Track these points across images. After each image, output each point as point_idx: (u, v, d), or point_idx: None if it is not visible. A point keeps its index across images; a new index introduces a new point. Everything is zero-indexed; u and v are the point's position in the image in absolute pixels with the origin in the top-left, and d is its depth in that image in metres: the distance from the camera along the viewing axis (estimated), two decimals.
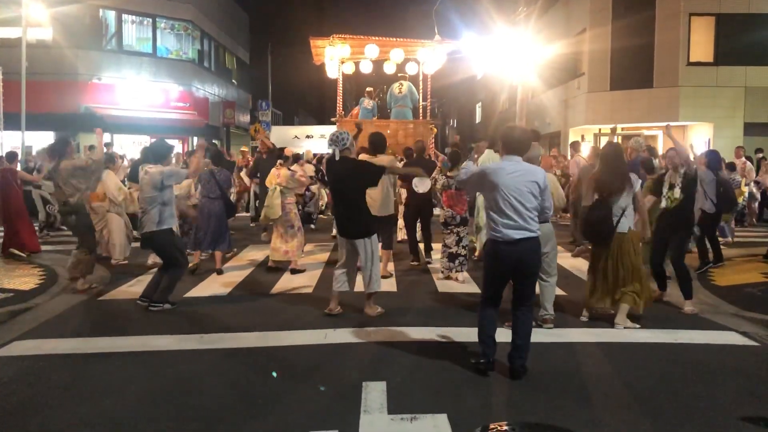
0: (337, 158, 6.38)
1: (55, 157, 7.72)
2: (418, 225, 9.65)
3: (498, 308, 4.92)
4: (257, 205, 12.94)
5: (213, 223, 8.75)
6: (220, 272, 8.74)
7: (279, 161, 9.13)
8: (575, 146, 12.95)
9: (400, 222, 10.24)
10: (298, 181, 9.04)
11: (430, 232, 9.67)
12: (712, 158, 8.90)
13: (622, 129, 22.39)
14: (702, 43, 20.70)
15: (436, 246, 9.29)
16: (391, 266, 8.70)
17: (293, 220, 8.82)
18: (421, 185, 8.46)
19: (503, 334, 4.96)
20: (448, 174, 8.25)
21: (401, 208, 9.81)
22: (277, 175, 8.84)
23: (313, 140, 24.53)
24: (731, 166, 12.81)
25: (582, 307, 6.48)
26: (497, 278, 4.86)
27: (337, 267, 6.67)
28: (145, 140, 22.13)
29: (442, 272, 8.36)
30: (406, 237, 9.93)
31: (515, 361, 4.74)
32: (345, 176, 6.39)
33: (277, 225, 8.80)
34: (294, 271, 8.78)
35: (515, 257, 4.68)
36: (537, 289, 5.89)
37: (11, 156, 11.17)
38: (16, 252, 9.87)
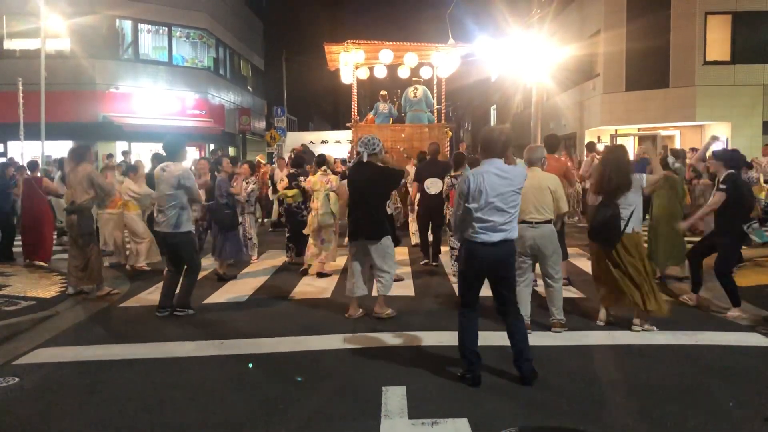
0: (364, 160, 6.48)
1: (76, 160, 7.83)
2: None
3: (477, 317, 4.86)
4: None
5: (221, 229, 8.81)
6: (222, 279, 8.71)
7: (323, 168, 9.04)
8: (590, 147, 12.86)
9: (413, 226, 10.25)
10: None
11: (440, 236, 9.61)
12: (730, 158, 8.67)
13: (639, 130, 22.31)
14: (718, 41, 20.51)
15: (445, 248, 9.32)
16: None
17: (335, 226, 8.92)
18: (433, 186, 8.49)
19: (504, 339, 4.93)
20: (452, 174, 8.29)
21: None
22: (326, 181, 8.80)
23: (328, 145, 24.64)
24: (747, 164, 12.66)
25: (597, 312, 6.41)
26: (474, 281, 4.82)
27: (351, 272, 6.70)
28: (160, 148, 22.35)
29: (453, 275, 8.36)
30: (419, 241, 9.96)
31: (523, 365, 4.70)
32: (369, 180, 6.47)
33: (321, 230, 8.80)
34: (321, 275, 8.82)
35: (492, 259, 4.67)
36: (522, 295, 5.85)
37: (33, 165, 11.30)
38: (41, 263, 9.96)
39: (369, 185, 6.49)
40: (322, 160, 9.31)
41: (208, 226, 9.54)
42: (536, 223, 5.87)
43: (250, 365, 5.01)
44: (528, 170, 5.79)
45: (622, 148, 6.40)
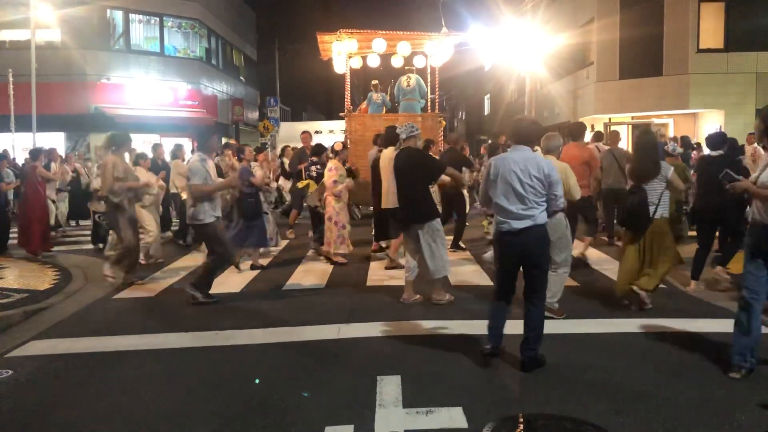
0: (402, 140, 6.70)
1: (111, 148, 7.80)
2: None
3: (510, 303, 4.93)
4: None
5: (247, 219, 8.70)
6: (254, 268, 8.80)
7: (330, 155, 9.27)
8: (598, 136, 12.65)
9: None
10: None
11: (462, 224, 10.04)
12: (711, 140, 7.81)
13: (632, 118, 22.31)
14: (712, 29, 20.49)
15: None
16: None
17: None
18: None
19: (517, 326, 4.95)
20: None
21: None
22: (336, 168, 8.91)
23: (322, 135, 24.55)
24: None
25: (617, 295, 6.50)
26: (505, 269, 4.89)
27: (406, 256, 6.82)
28: (155, 139, 22.21)
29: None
30: None
31: (524, 352, 4.74)
32: (410, 164, 6.60)
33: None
34: (332, 263, 8.93)
35: (520, 247, 4.71)
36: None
37: (35, 153, 11.16)
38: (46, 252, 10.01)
39: (410, 169, 6.59)
40: (332, 149, 9.52)
41: (230, 215, 9.38)
42: None
43: (257, 381, 5.01)
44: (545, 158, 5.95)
45: (651, 134, 6.58)
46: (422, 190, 6.66)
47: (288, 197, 13.94)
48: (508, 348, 5.02)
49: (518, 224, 4.67)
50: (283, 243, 10.59)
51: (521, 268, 4.86)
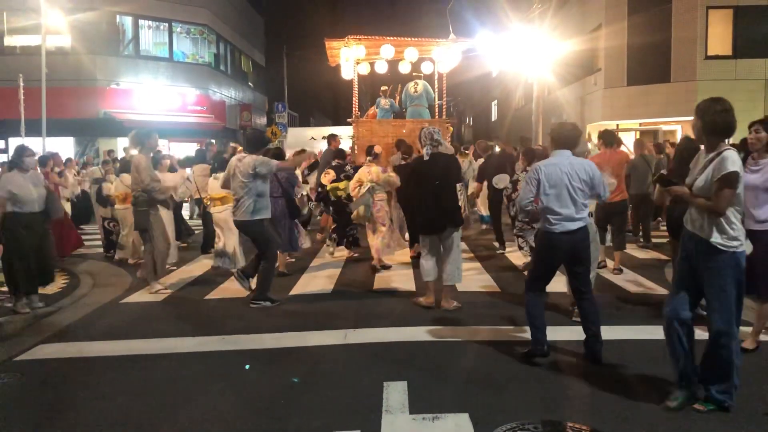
0: (426, 156, 6.67)
1: (137, 147, 7.86)
2: None
3: (545, 298, 5.16)
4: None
5: (277, 223, 8.31)
6: (282, 275, 8.55)
7: (368, 158, 9.21)
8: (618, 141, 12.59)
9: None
10: (390, 179, 8.98)
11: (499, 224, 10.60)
12: None
13: (640, 124, 22.26)
14: (720, 36, 20.45)
15: None
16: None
17: (384, 218, 8.92)
18: (501, 182, 9.20)
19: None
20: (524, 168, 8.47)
21: None
22: (368, 173, 8.86)
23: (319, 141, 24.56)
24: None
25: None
26: (550, 265, 5.14)
27: (424, 257, 6.82)
28: (164, 144, 22.33)
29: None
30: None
31: (594, 346, 4.99)
32: (445, 169, 6.71)
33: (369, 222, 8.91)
34: (376, 269, 8.83)
35: (569, 247, 4.97)
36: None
37: (44, 160, 11.24)
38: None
39: (446, 176, 6.68)
40: (369, 151, 9.41)
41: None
42: None
43: (247, 367, 5.03)
44: None
45: (692, 140, 6.56)
46: (455, 195, 6.90)
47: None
48: (510, 352, 5.02)
49: (572, 225, 4.92)
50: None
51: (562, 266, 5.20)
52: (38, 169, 10.84)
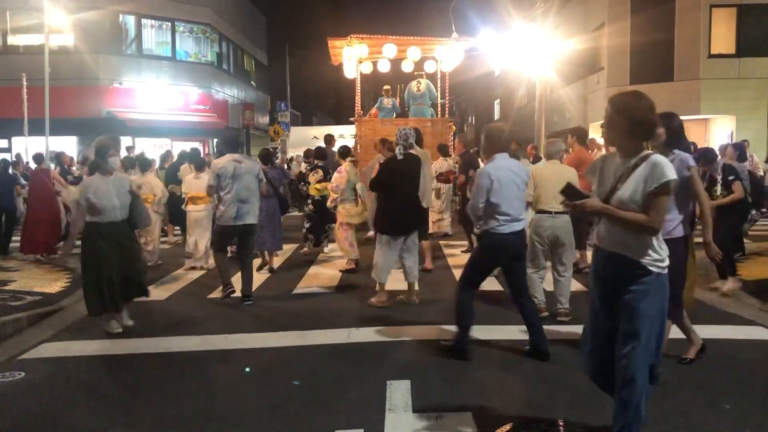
0: (399, 156, 6.69)
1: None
2: None
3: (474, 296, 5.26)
4: None
5: (268, 221, 8.69)
6: (271, 270, 8.98)
7: (351, 157, 9.30)
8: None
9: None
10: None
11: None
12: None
13: None
14: (723, 34, 20.40)
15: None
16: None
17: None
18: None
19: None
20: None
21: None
22: (354, 173, 8.91)
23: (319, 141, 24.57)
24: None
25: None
26: (492, 266, 5.38)
27: (383, 258, 6.77)
28: (166, 143, 22.36)
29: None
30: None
31: (543, 340, 5.05)
32: (416, 171, 6.78)
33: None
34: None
35: (516, 247, 5.11)
36: (535, 281, 6.17)
37: (38, 157, 11.28)
38: (39, 257, 10.07)
39: (416, 176, 6.76)
40: (347, 151, 9.40)
41: None
42: (555, 213, 6.07)
43: (247, 370, 5.05)
44: (548, 162, 6.39)
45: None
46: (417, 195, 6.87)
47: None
48: (514, 355, 5.02)
49: (518, 226, 5.06)
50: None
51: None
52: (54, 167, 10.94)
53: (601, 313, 3.38)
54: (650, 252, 3.20)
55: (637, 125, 3.23)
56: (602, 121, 3.53)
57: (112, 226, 5.92)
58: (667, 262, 3.25)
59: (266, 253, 9.08)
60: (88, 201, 5.83)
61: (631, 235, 3.20)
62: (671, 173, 3.11)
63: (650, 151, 3.25)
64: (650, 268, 3.19)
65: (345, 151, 9.26)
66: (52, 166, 12.39)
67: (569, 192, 3.30)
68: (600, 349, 3.40)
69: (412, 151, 6.80)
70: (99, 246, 5.86)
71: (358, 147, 12.86)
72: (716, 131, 21.03)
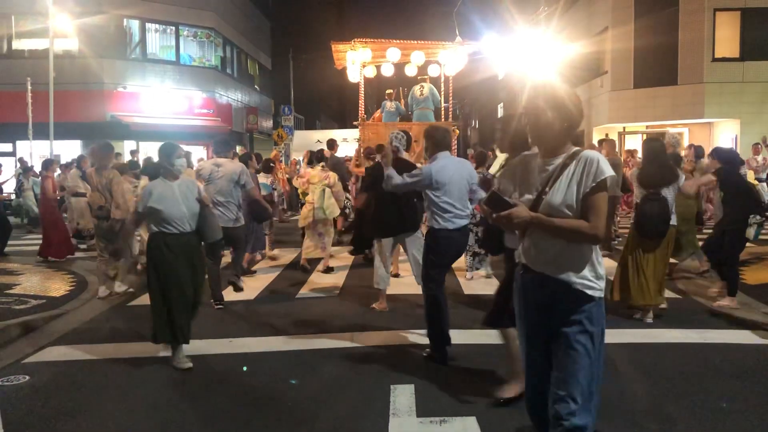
0: (401, 155, 6.68)
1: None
2: None
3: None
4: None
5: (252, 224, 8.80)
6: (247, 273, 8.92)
7: (322, 163, 9.35)
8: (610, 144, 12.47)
9: None
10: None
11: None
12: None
13: (647, 127, 22.19)
14: (727, 38, 20.37)
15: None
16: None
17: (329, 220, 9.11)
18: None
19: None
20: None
21: None
22: (324, 177, 8.98)
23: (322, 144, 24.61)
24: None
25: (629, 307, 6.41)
26: (446, 263, 5.35)
27: (381, 263, 6.83)
28: None
29: (467, 270, 8.42)
30: None
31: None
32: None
33: (317, 224, 8.92)
34: (327, 270, 9.04)
35: (460, 242, 5.31)
36: None
37: (47, 163, 11.35)
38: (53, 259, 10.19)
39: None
40: (320, 156, 9.61)
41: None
42: None
43: (245, 368, 5.07)
44: None
45: (658, 141, 6.62)
46: (412, 201, 6.79)
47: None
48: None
49: (463, 222, 5.22)
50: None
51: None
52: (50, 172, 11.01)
53: (532, 349, 2.89)
54: (588, 271, 2.71)
55: (568, 122, 2.81)
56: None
57: (180, 237, 5.15)
58: (604, 282, 2.79)
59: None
60: (150, 209, 5.07)
61: (567, 249, 2.71)
62: (609, 170, 2.69)
63: (578, 148, 2.82)
64: (588, 292, 2.71)
65: (314, 157, 9.50)
66: (73, 169, 12.39)
67: (493, 201, 2.74)
68: (534, 386, 2.97)
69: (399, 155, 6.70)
70: (164, 259, 5.08)
71: (361, 150, 12.85)
72: (720, 135, 20.98)
